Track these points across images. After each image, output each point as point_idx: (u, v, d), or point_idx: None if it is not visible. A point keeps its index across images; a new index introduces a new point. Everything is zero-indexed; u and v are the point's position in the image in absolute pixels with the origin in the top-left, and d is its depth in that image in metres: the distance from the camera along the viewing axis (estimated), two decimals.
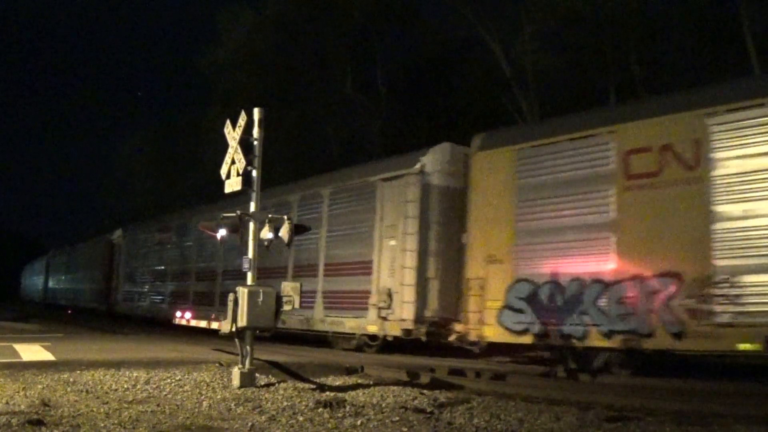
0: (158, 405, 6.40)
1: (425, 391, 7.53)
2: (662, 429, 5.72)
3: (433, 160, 12.54)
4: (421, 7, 28.04)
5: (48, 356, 10.08)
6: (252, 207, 8.11)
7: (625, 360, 9.51)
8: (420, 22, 28.49)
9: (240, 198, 8.87)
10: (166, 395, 7.08)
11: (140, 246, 25.67)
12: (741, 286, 8.16)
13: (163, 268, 23.02)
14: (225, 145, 8.52)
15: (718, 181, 8.58)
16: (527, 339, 10.25)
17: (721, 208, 8.49)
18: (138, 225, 28.53)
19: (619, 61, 20.87)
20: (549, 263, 10.16)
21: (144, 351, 11.54)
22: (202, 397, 6.93)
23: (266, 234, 8.01)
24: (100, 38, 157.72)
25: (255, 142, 8.08)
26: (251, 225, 8.06)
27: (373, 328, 12.72)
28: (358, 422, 5.80)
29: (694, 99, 9.36)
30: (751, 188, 8.33)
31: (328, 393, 7.33)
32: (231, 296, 7.73)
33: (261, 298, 7.64)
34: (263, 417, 5.97)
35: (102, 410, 6.01)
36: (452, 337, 11.39)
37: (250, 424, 5.69)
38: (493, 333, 10.63)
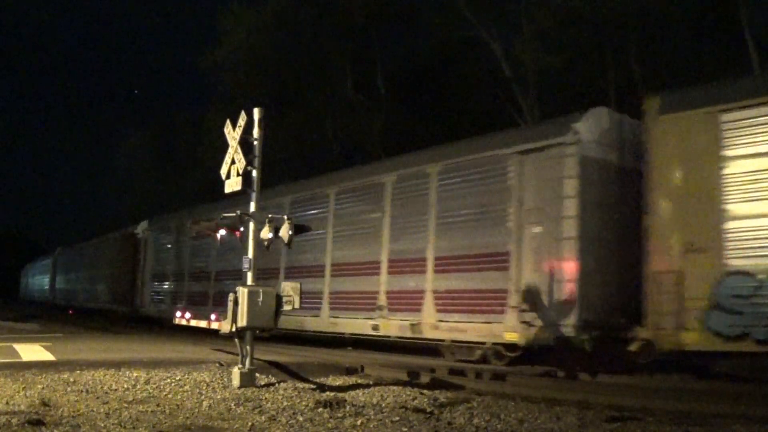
0: (158, 405, 6.40)
1: (425, 391, 7.53)
2: (662, 429, 5.72)
3: (589, 128, 10.27)
4: (421, 7, 28.00)
5: (48, 356, 10.08)
6: (252, 207, 8.12)
7: None
8: (420, 22, 28.49)
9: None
10: (166, 395, 7.08)
11: (173, 239, 22.54)
12: None
13: (203, 265, 19.68)
14: (225, 145, 8.53)
15: None
16: (748, 346, 8.25)
17: None
18: (168, 216, 24.74)
19: (619, 61, 20.88)
20: None
21: (144, 351, 11.54)
22: (202, 397, 6.93)
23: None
24: (100, 38, 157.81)
25: (255, 142, 8.08)
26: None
27: (512, 336, 10.30)
28: (358, 422, 5.80)
29: None
30: None
31: (328, 393, 7.33)
32: (231, 296, 7.75)
33: (261, 298, 7.65)
34: (263, 417, 5.97)
35: (102, 410, 6.01)
36: (634, 346, 9.28)
37: (250, 424, 5.69)
38: (697, 339, 8.58)
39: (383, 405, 6.67)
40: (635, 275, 9.38)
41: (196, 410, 6.27)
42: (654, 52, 20.64)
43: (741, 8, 18.21)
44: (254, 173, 8.06)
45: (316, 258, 14.64)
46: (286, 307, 7.91)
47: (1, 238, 79.61)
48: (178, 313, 11.18)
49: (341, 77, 28.17)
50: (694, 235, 8.77)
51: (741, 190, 8.50)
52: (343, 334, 13.57)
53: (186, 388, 7.49)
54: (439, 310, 11.53)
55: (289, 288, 8.02)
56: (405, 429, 5.63)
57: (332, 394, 7.26)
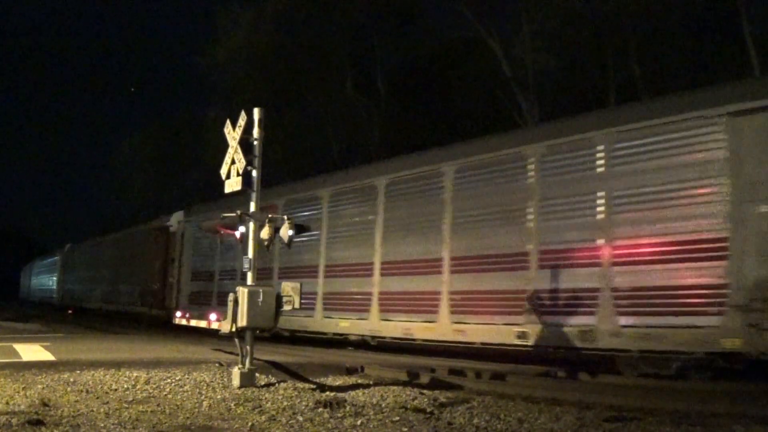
0: (158, 405, 6.40)
1: (425, 391, 7.52)
2: (662, 429, 5.72)
3: None
4: (421, 7, 28.03)
5: (48, 356, 10.09)
6: (252, 207, 8.11)
7: None
8: (420, 22, 28.52)
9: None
10: (166, 395, 7.08)
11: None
12: None
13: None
14: (225, 145, 8.53)
15: None
16: None
17: None
18: (209, 206, 20.01)
19: (619, 61, 20.89)
20: None
21: (144, 351, 11.54)
22: (202, 397, 6.93)
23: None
24: (100, 37, 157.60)
25: (255, 142, 8.08)
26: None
27: (733, 343, 8.27)
28: (358, 422, 5.80)
29: None
30: None
31: (328, 393, 7.33)
32: (231, 296, 7.75)
33: (261, 298, 7.65)
34: (263, 417, 5.97)
35: (102, 410, 6.01)
36: None
37: (250, 424, 5.69)
38: None
39: (383, 405, 6.67)
40: None
41: (196, 410, 6.27)
42: (654, 52, 20.67)
43: (741, 8, 18.22)
44: (254, 173, 8.07)
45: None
46: (286, 307, 7.91)
47: (1, 237, 79.40)
48: (179, 313, 11.12)
49: (341, 77, 28.18)
50: None
51: None
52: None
53: (186, 388, 7.49)
54: (620, 313, 9.35)
55: (289, 288, 8.03)
56: (405, 429, 5.63)
57: (332, 394, 7.25)
